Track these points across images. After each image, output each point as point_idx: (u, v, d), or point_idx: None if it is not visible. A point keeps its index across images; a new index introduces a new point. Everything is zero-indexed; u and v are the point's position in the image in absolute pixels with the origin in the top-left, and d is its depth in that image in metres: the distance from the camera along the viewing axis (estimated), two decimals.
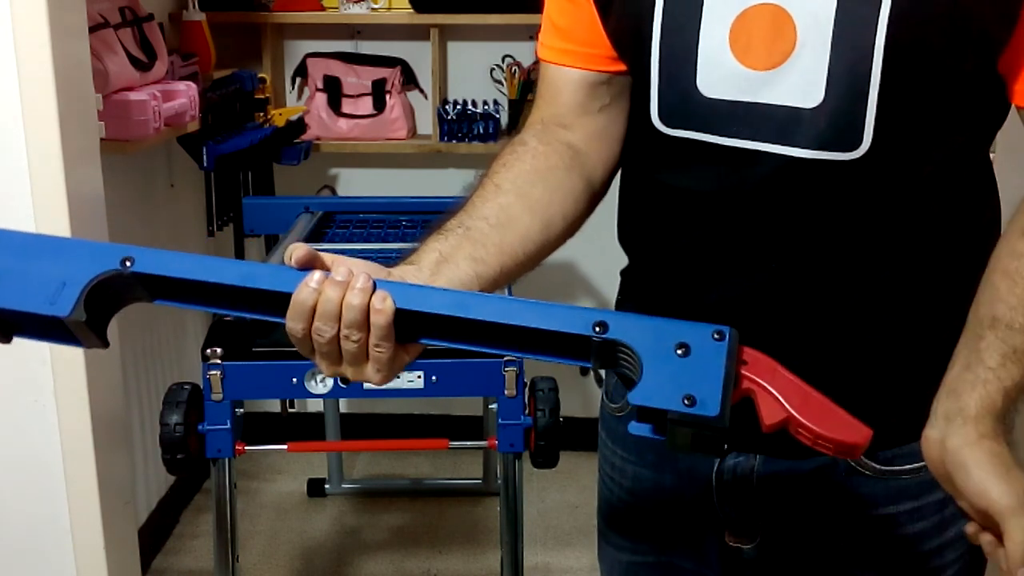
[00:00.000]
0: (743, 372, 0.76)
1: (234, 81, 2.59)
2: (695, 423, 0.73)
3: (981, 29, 0.80)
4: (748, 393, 0.76)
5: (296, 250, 0.77)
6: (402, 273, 0.83)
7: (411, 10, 2.74)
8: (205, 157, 2.37)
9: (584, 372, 2.45)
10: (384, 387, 1.62)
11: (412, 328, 0.78)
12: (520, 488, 1.74)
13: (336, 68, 2.86)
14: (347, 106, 2.86)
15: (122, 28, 2.09)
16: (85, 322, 0.79)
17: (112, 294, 0.82)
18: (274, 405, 2.80)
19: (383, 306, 0.75)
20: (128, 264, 0.80)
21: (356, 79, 2.85)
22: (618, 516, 1.11)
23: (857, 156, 0.84)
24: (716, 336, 0.76)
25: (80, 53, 1.65)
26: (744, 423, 0.74)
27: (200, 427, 1.62)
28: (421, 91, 2.94)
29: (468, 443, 1.82)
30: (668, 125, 0.91)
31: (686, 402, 0.74)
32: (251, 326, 1.66)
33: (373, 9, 2.77)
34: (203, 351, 1.61)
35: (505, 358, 1.63)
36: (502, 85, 2.88)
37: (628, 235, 1.03)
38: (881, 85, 0.82)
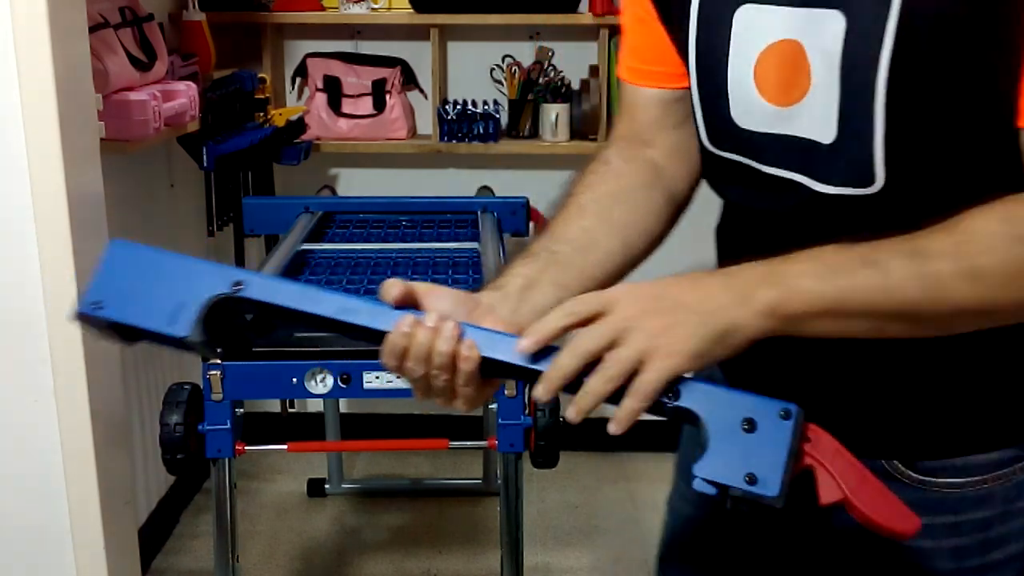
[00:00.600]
0: (806, 450, 0.79)
1: (234, 81, 2.59)
2: (754, 500, 0.77)
3: (989, 64, 0.80)
4: (809, 468, 0.79)
5: (391, 289, 0.82)
6: (490, 300, 0.87)
7: (411, 10, 2.74)
8: (205, 157, 2.37)
9: None
10: (384, 387, 1.63)
11: (496, 369, 0.83)
12: (520, 488, 1.74)
13: (336, 68, 2.86)
14: (347, 106, 2.86)
15: (122, 28, 2.09)
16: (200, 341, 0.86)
17: (225, 312, 0.88)
18: (274, 405, 2.80)
19: (469, 354, 0.79)
20: (238, 288, 0.87)
21: (356, 79, 2.85)
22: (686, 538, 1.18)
23: (874, 191, 0.85)
24: (782, 415, 0.79)
25: (80, 53, 1.65)
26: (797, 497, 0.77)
27: (200, 427, 1.62)
28: (421, 91, 2.94)
29: (468, 443, 1.81)
30: (716, 147, 0.95)
31: (747, 480, 0.77)
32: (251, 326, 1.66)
33: (373, 9, 2.77)
34: None
35: None
36: (502, 85, 2.88)
37: (716, 235, 1.09)
38: (887, 123, 0.82)
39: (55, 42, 1.53)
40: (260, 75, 2.71)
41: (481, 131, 2.77)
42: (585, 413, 0.81)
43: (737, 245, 0.97)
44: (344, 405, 2.94)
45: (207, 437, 1.63)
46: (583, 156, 2.86)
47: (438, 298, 0.82)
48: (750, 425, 0.79)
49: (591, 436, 3.14)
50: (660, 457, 2.41)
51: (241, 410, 1.67)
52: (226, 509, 1.70)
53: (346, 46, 2.90)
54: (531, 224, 2.37)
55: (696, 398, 0.79)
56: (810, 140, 0.86)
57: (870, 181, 0.85)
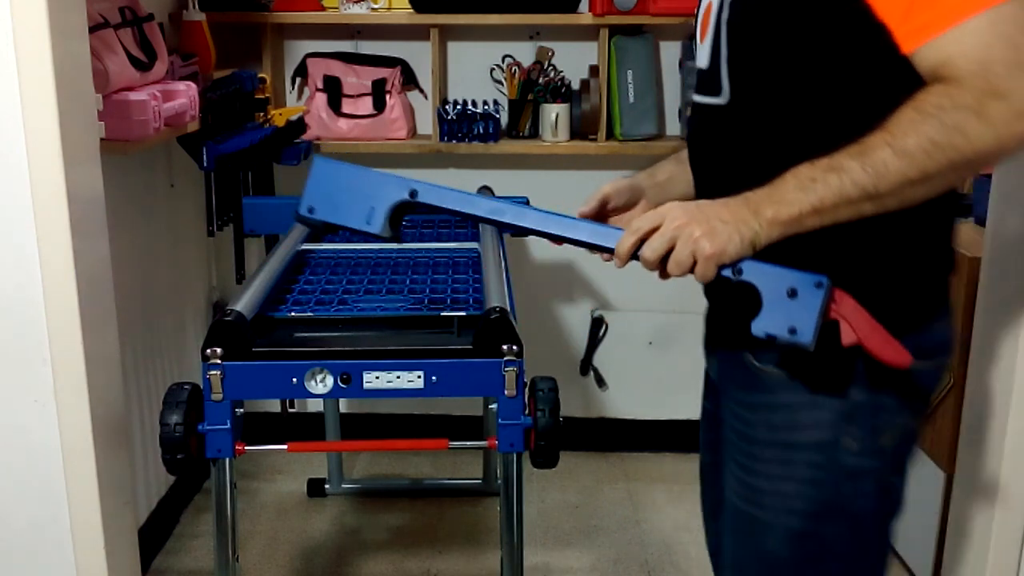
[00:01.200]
0: (833, 308, 1.12)
1: (234, 81, 2.59)
2: (793, 345, 1.11)
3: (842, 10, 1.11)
4: (835, 320, 1.13)
5: (587, 205, 1.32)
6: (645, 185, 1.38)
7: (411, 10, 2.74)
8: (205, 157, 2.37)
9: (584, 372, 2.45)
10: (384, 387, 1.63)
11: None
12: (520, 488, 1.74)
13: (336, 68, 2.86)
14: (347, 106, 2.86)
15: (122, 28, 2.09)
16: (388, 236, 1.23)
17: (403, 211, 1.24)
18: (274, 405, 2.80)
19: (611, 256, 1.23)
20: (415, 193, 1.24)
21: (356, 79, 2.85)
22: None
23: (724, 102, 1.21)
24: (817, 284, 1.11)
25: (80, 53, 1.64)
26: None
27: (200, 427, 1.62)
28: (421, 91, 2.94)
29: (468, 443, 1.81)
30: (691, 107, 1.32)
31: (790, 331, 1.11)
32: (251, 326, 1.66)
33: (373, 9, 2.78)
34: (203, 351, 1.61)
35: (505, 358, 1.63)
36: (502, 85, 2.88)
37: None
38: (728, 48, 1.19)
39: (55, 42, 1.53)
40: (260, 75, 2.71)
41: (481, 131, 2.77)
42: (629, 253, 1.16)
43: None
44: (344, 405, 2.94)
45: (207, 437, 1.63)
46: (583, 156, 2.88)
47: (618, 194, 1.33)
48: (792, 292, 1.12)
49: (591, 436, 3.14)
50: (660, 457, 2.41)
51: (241, 410, 1.67)
52: (226, 509, 1.70)
53: (346, 46, 2.90)
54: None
55: (754, 274, 1.12)
56: (700, 68, 1.26)
57: (719, 92, 1.21)
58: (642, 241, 1.13)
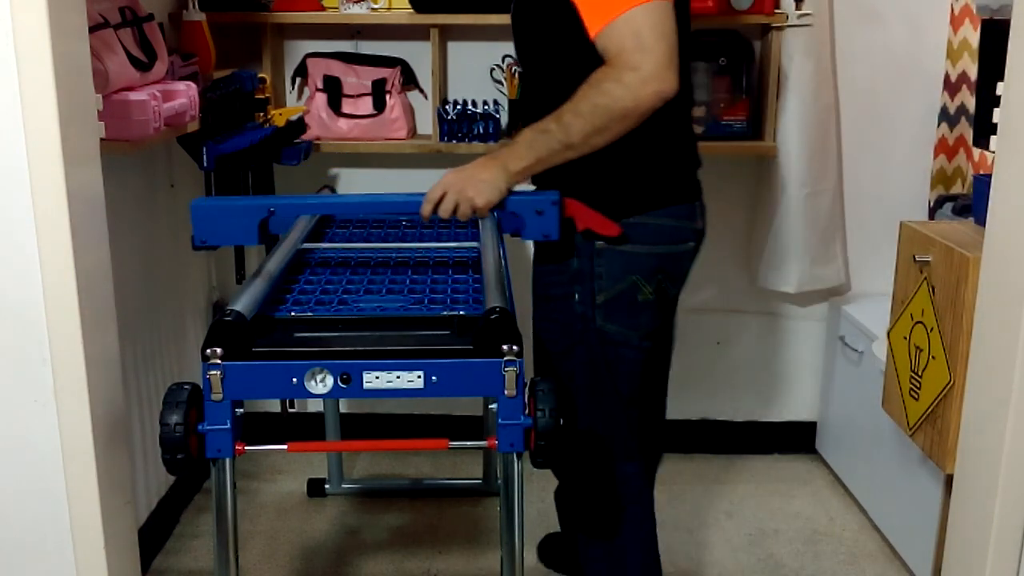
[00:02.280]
0: (567, 211, 1.79)
1: (234, 81, 2.59)
2: (549, 242, 1.79)
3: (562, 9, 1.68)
4: (570, 217, 1.79)
5: None
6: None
7: (411, 10, 2.74)
8: (205, 157, 2.37)
9: None
10: (384, 387, 1.63)
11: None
12: (520, 488, 1.74)
13: (336, 68, 2.86)
14: (347, 106, 2.86)
15: (122, 28, 2.09)
16: None
17: (266, 225, 1.90)
18: (274, 405, 2.80)
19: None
20: (272, 212, 1.84)
21: (356, 79, 2.85)
22: None
23: (524, 71, 1.96)
24: (553, 203, 1.77)
25: (80, 53, 1.64)
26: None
27: (200, 427, 1.62)
28: (421, 91, 2.94)
29: (468, 443, 1.81)
30: None
31: (544, 236, 1.79)
32: (251, 326, 1.66)
33: (373, 9, 2.78)
34: (203, 351, 1.61)
35: (505, 358, 1.63)
36: (502, 85, 2.88)
37: None
38: (513, 33, 1.87)
39: (55, 42, 1.53)
40: (260, 75, 2.71)
41: (481, 131, 2.77)
42: (430, 213, 1.79)
43: None
44: (344, 405, 2.94)
45: (207, 437, 1.62)
46: None
47: None
48: (540, 211, 1.77)
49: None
50: None
51: (241, 410, 1.66)
52: (226, 509, 1.70)
53: (346, 46, 2.90)
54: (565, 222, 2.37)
55: (512, 204, 1.77)
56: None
57: (523, 65, 1.93)
58: (436, 203, 1.75)
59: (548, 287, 1.86)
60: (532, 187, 1.87)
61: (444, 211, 1.73)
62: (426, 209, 1.76)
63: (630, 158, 1.77)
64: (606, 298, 1.82)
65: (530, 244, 2.94)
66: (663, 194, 1.83)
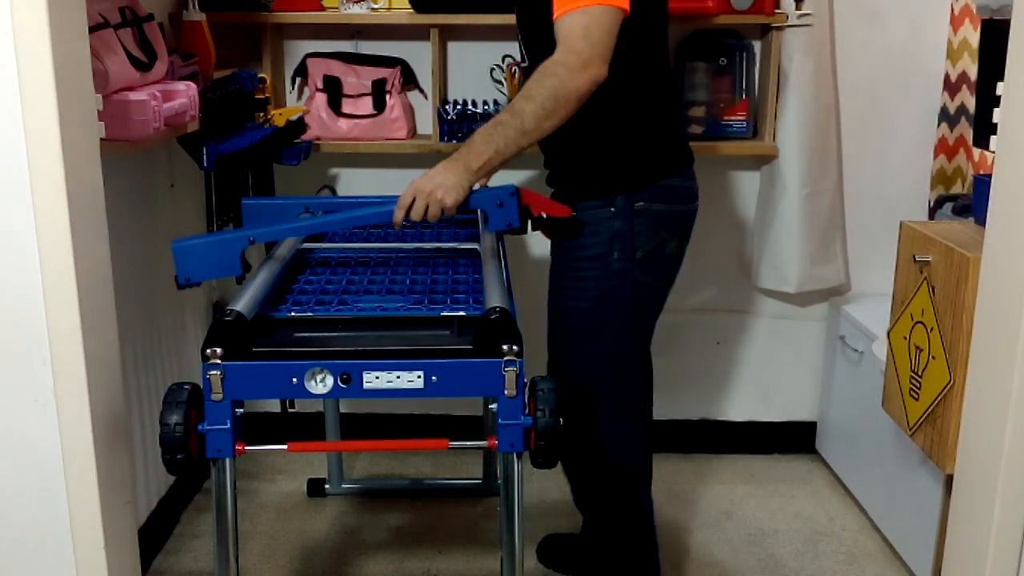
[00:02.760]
0: (524, 201, 1.98)
1: (234, 81, 2.59)
2: (514, 230, 1.99)
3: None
4: (527, 206, 1.99)
5: None
6: None
7: (411, 10, 2.74)
8: (205, 157, 2.37)
9: None
10: (384, 387, 1.63)
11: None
12: (520, 488, 1.74)
13: (336, 68, 2.86)
14: (347, 106, 2.86)
15: (122, 28, 2.09)
16: None
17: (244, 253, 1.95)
18: (274, 405, 2.80)
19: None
20: (252, 241, 1.93)
21: (356, 79, 2.85)
22: None
23: (526, 65, 2.09)
24: (511, 194, 1.95)
25: (80, 53, 1.64)
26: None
27: (200, 427, 1.62)
28: (421, 91, 2.94)
29: (468, 443, 1.81)
30: None
31: (507, 226, 1.97)
32: (251, 326, 1.66)
33: (373, 9, 2.77)
34: (203, 351, 1.61)
35: (505, 358, 1.63)
36: (502, 85, 2.88)
37: None
38: (520, 35, 2.10)
39: (55, 42, 1.53)
40: (260, 75, 2.71)
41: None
42: (402, 220, 1.90)
43: None
44: (344, 405, 2.94)
45: (207, 437, 1.63)
46: None
47: None
48: (500, 204, 1.95)
49: None
50: (659, 457, 2.42)
51: (241, 410, 1.66)
52: (226, 509, 1.70)
53: (346, 46, 2.90)
54: (523, 210, 2.37)
55: (476, 201, 1.93)
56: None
57: (524, 60, 2.09)
58: (408, 208, 1.87)
59: (583, 249, 2.02)
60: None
61: (415, 214, 1.86)
62: (398, 215, 1.88)
63: (653, 131, 2.05)
64: (643, 253, 2.02)
65: (534, 243, 2.95)
66: (678, 160, 2.08)
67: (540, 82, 1.84)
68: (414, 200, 1.87)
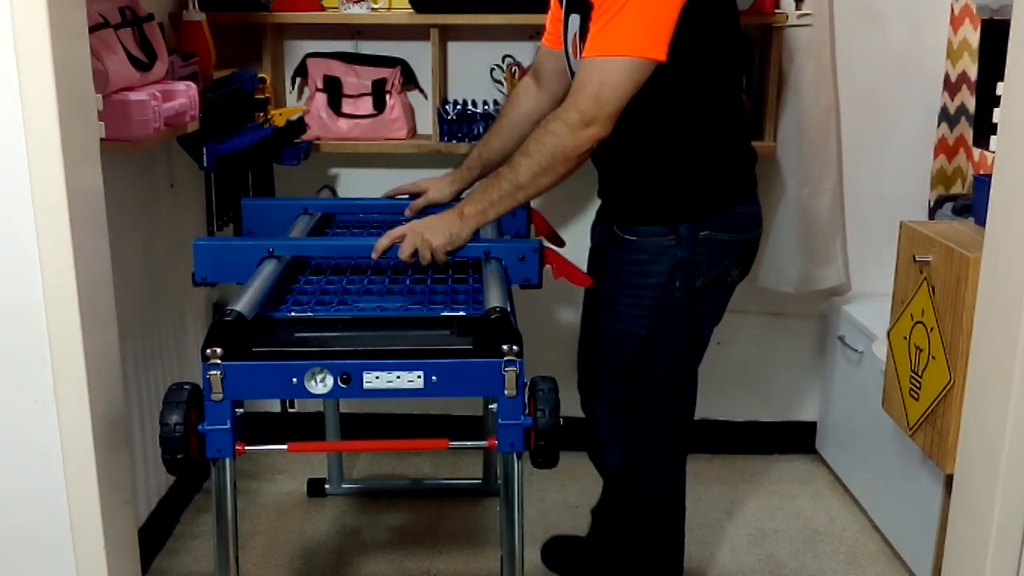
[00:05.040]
0: (548, 261, 2.00)
1: (234, 81, 2.59)
2: (531, 286, 1.99)
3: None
4: (549, 264, 2.00)
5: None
6: (435, 187, 2.30)
7: (411, 10, 2.74)
8: (205, 157, 2.37)
9: None
10: (384, 387, 1.63)
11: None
12: (520, 488, 1.74)
13: (336, 68, 2.86)
14: (347, 106, 2.86)
15: (122, 28, 2.09)
16: None
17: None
18: (274, 405, 2.80)
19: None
20: (271, 252, 1.96)
21: (356, 79, 2.85)
22: None
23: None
24: (534, 250, 1.98)
25: (80, 53, 1.64)
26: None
27: (200, 427, 1.62)
28: (421, 91, 2.94)
29: (468, 443, 1.81)
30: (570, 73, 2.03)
31: (525, 280, 1.99)
32: (251, 326, 1.66)
33: (373, 9, 2.77)
34: (203, 351, 1.61)
35: (505, 358, 1.63)
36: (502, 85, 2.88)
37: None
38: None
39: (55, 42, 1.53)
40: (260, 75, 2.71)
41: (481, 131, 2.77)
42: (386, 247, 1.93)
43: None
44: (344, 405, 2.94)
45: (207, 437, 1.63)
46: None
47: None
48: (523, 258, 1.97)
49: (592, 436, 3.13)
50: None
51: (241, 410, 1.66)
52: (226, 509, 1.70)
53: (346, 46, 2.90)
54: (531, 226, 2.37)
55: (497, 251, 1.97)
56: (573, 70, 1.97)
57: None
58: (394, 243, 1.90)
59: (644, 276, 1.97)
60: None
61: (402, 251, 1.89)
62: (382, 243, 1.91)
63: (723, 157, 1.99)
64: (703, 282, 1.98)
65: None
66: (745, 186, 2.03)
67: (539, 139, 1.82)
68: (404, 237, 1.90)
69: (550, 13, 2.15)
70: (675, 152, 1.94)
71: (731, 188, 2.00)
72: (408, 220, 2.08)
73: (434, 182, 2.29)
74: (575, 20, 1.92)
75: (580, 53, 1.84)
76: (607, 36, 1.75)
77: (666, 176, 1.95)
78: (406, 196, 2.33)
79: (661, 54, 1.76)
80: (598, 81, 1.77)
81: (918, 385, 2.19)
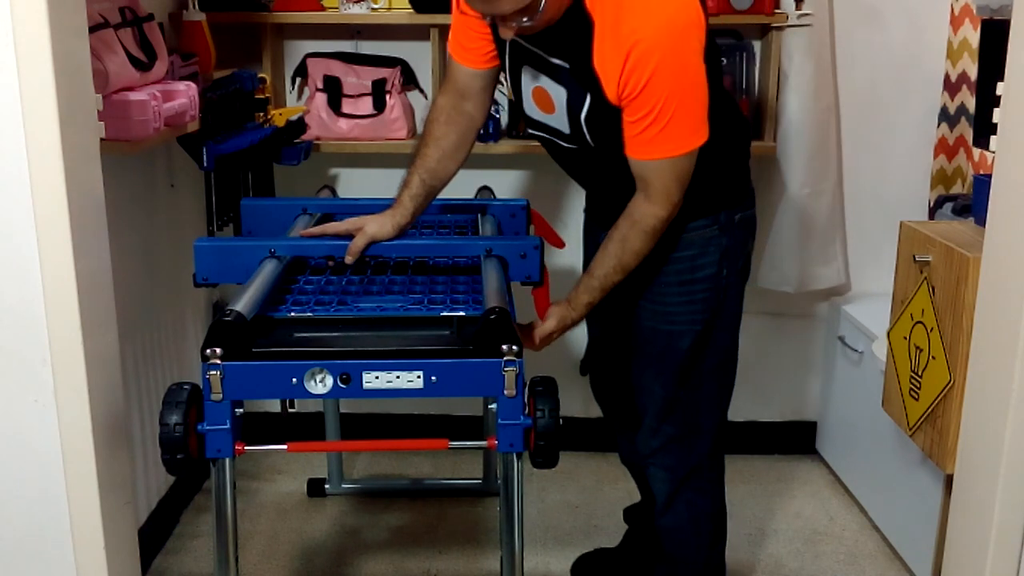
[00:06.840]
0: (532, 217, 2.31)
1: (234, 81, 2.59)
2: (533, 283, 2.02)
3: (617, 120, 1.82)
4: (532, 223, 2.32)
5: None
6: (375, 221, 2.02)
7: (411, 10, 2.74)
8: (205, 157, 2.37)
9: (584, 372, 2.45)
10: (384, 387, 1.63)
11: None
12: (520, 488, 1.74)
13: (336, 68, 2.86)
14: (347, 106, 2.86)
15: (122, 28, 2.09)
16: None
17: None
18: (274, 405, 2.80)
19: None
20: (273, 252, 1.95)
21: (356, 79, 2.85)
22: None
23: (591, 148, 1.90)
24: (536, 247, 2.00)
25: (80, 53, 1.64)
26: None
27: (200, 427, 1.62)
28: (421, 91, 2.94)
29: (468, 443, 1.81)
30: (527, 123, 2.02)
31: (527, 277, 2.01)
32: (251, 326, 1.66)
33: (373, 9, 2.77)
34: (203, 351, 1.61)
35: (505, 358, 1.63)
36: (502, 85, 2.87)
37: None
38: (586, 126, 1.85)
39: (55, 42, 1.53)
40: (260, 75, 2.71)
41: (481, 131, 2.76)
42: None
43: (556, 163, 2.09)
44: (344, 405, 2.94)
45: (207, 437, 1.63)
46: None
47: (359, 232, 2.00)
48: (524, 255, 1.99)
49: (591, 436, 3.14)
50: None
51: (241, 410, 1.66)
52: (226, 509, 1.70)
53: (346, 46, 2.90)
54: (531, 227, 2.37)
55: (501, 248, 2.01)
56: (559, 130, 1.91)
57: (586, 143, 1.89)
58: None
59: (695, 271, 1.98)
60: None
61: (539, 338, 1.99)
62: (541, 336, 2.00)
63: (739, 141, 2.08)
64: (742, 263, 2.06)
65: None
66: (744, 158, 2.11)
67: (643, 239, 1.87)
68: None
69: (465, 24, 1.93)
70: (709, 148, 1.87)
71: (747, 167, 2.10)
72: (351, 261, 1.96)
73: (371, 219, 1.99)
74: (569, 94, 1.85)
75: (596, 134, 1.86)
76: (669, 139, 1.79)
77: (704, 170, 1.90)
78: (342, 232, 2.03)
79: (704, 137, 1.83)
80: (674, 178, 1.83)
81: (918, 385, 2.19)
